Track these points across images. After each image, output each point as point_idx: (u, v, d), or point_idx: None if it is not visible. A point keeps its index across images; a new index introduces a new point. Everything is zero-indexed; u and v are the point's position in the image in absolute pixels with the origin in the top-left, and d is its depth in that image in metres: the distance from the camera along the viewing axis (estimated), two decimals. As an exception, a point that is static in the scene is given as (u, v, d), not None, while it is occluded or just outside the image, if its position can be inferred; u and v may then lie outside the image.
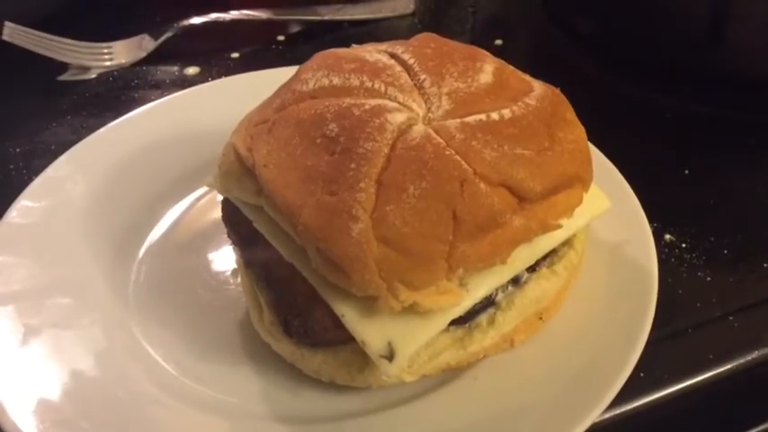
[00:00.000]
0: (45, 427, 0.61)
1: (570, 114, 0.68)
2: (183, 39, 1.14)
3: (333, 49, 0.71)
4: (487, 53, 0.72)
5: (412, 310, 0.60)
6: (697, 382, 0.71)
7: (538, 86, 0.68)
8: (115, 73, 1.11)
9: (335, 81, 0.65)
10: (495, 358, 0.69)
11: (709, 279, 0.81)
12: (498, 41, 1.18)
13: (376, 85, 0.65)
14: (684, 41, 1.02)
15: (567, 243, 0.71)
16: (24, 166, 0.93)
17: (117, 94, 1.07)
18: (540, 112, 0.65)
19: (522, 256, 0.65)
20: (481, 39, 1.20)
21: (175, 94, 0.95)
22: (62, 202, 0.81)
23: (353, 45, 0.73)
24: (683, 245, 0.84)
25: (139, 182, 0.85)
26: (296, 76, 0.69)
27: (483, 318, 0.67)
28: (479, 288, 0.64)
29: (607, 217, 0.74)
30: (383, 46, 0.72)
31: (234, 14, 1.17)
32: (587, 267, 0.74)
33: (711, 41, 0.99)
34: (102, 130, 0.89)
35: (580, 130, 0.68)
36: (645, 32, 1.06)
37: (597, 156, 0.81)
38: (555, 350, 0.69)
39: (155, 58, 1.13)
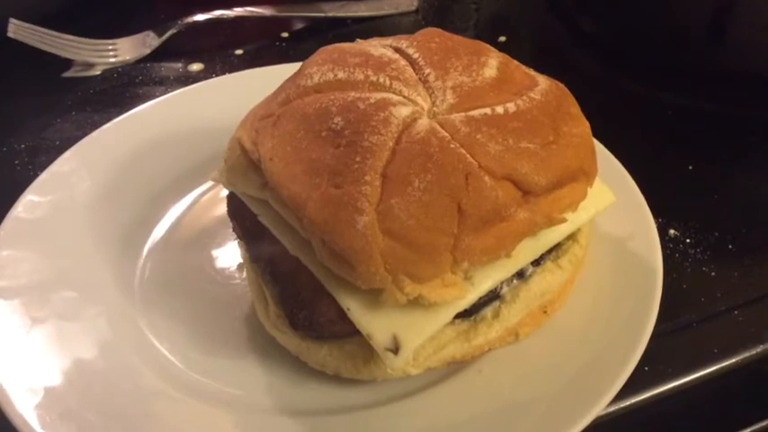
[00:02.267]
0: (51, 419, 0.61)
1: (575, 109, 0.68)
2: (186, 36, 1.15)
3: (337, 44, 0.71)
4: (492, 48, 0.72)
5: (417, 303, 0.60)
6: (701, 376, 0.71)
7: (542, 81, 0.68)
8: (119, 69, 1.11)
9: (340, 75, 0.66)
10: (500, 351, 0.69)
11: (713, 274, 0.81)
12: (502, 38, 1.18)
13: (381, 79, 0.65)
14: (686, 38, 1.02)
15: (572, 237, 0.71)
16: (30, 161, 0.94)
17: (121, 91, 1.07)
18: (545, 106, 0.65)
19: (527, 250, 0.66)
20: (484, 35, 1.20)
21: (179, 91, 0.95)
22: (67, 198, 0.81)
23: (358, 40, 0.73)
24: (688, 240, 0.84)
25: (144, 177, 0.85)
26: (301, 71, 0.69)
27: (488, 311, 0.67)
28: (484, 281, 0.64)
29: (612, 212, 0.74)
30: (388, 41, 0.72)
31: (237, 11, 1.17)
32: (592, 262, 0.74)
33: (713, 38, 0.99)
34: (107, 125, 0.89)
35: (585, 125, 0.68)
36: (647, 29, 1.06)
37: (601, 151, 0.81)
38: (559, 343, 0.69)
39: (159, 54, 1.13)
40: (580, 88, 0.71)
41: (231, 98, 0.84)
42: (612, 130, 0.82)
